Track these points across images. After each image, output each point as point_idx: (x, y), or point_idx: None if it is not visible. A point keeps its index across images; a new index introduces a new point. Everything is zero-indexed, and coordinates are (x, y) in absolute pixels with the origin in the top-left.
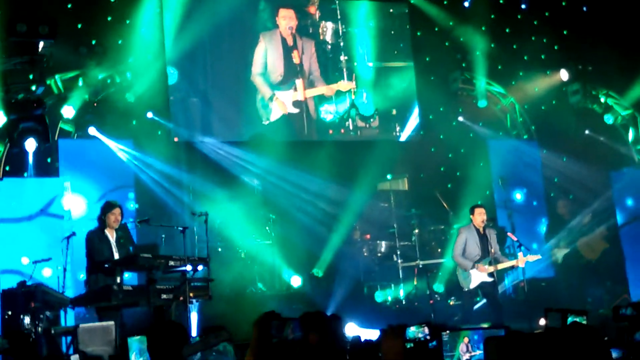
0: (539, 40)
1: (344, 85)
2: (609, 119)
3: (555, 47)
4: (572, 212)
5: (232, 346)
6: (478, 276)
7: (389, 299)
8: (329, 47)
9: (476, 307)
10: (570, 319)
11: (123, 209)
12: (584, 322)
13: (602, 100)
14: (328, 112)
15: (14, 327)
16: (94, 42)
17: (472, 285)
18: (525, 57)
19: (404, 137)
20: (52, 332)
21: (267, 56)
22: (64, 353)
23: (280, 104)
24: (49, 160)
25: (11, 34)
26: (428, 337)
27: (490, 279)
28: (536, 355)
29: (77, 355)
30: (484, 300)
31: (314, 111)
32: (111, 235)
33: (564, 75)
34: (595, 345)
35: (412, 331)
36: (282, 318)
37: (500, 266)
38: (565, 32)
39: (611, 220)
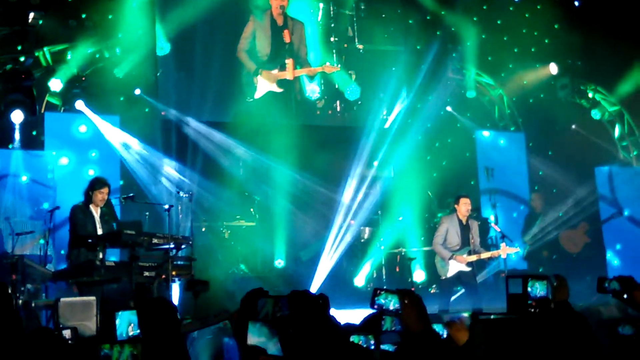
0: (530, 33)
1: (329, 67)
2: (596, 114)
3: (546, 41)
4: (544, 206)
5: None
6: (455, 266)
7: (370, 285)
8: (319, 27)
9: (454, 297)
10: (530, 284)
11: (111, 189)
12: (545, 287)
13: (590, 95)
14: (315, 93)
15: None
16: (84, 15)
17: (450, 274)
18: (516, 50)
19: (389, 123)
20: (33, 305)
21: (255, 35)
22: (50, 327)
23: (266, 77)
24: (34, 133)
25: (1, 4)
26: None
27: (468, 269)
28: (523, 338)
29: (69, 330)
30: (463, 290)
31: (299, 92)
32: (95, 211)
33: (553, 69)
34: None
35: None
36: (269, 296)
37: (479, 257)
38: (556, 26)
39: (593, 215)
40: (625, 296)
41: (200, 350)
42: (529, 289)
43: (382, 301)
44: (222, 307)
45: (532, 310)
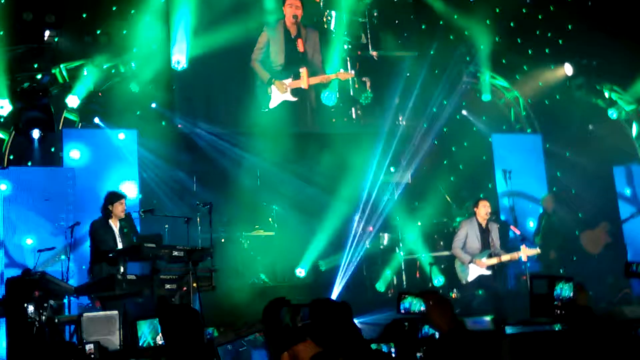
0: (544, 35)
1: (343, 74)
2: (612, 113)
3: (560, 42)
4: (555, 207)
5: (262, 337)
6: (476, 270)
7: (392, 291)
8: (333, 35)
9: (476, 301)
10: (557, 286)
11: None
12: (571, 289)
13: (607, 95)
14: (329, 101)
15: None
16: (98, 31)
17: (470, 278)
18: (530, 51)
19: (405, 128)
20: (56, 320)
21: (269, 45)
22: (74, 342)
23: (279, 87)
24: (52, 149)
25: (17, 22)
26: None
27: (489, 272)
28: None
29: (91, 345)
30: (485, 295)
31: (315, 100)
32: (115, 225)
33: (568, 69)
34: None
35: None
36: (291, 304)
37: (499, 260)
38: (569, 27)
39: (614, 214)
40: None
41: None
42: (555, 291)
43: (407, 305)
44: (245, 318)
45: (558, 312)
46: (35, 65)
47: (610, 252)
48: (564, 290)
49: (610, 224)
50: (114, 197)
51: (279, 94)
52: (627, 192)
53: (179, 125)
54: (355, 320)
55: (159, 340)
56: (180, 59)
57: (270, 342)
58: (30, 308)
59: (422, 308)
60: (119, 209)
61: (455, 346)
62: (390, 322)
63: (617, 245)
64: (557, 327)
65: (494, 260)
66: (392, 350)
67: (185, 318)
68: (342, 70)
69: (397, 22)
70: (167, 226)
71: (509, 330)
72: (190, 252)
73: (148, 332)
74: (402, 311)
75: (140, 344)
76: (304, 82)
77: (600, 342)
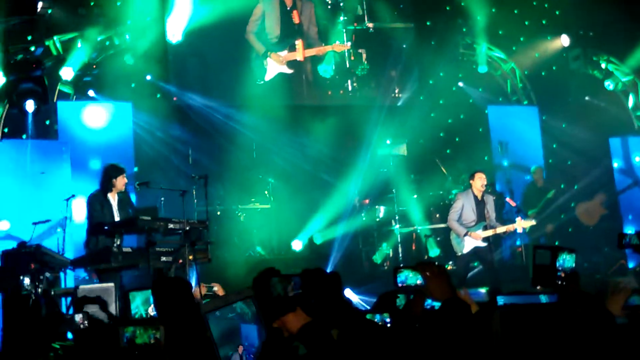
0: (540, 5)
1: (338, 46)
2: (609, 84)
3: (557, 13)
4: (546, 179)
5: (251, 306)
6: (471, 242)
7: (388, 264)
8: (329, 7)
9: (471, 273)
10: (560, 257)
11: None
12: (573, 259)
13: (603, 66)
14: (325, 73)
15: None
16: (92, 3)
17: (465, 250)
18: (527, 22)
19: (402, 100)
20: (52, 293)
21: (264, 16)
22: (65, 313)
23: (275, 59)
24: (47, 122)
25: None
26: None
27: (484, 244)
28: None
29: (80, 315)
30: (480, 267)
31: (311, 72)
32: (113, 198)
33: (565, 40)
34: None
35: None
36: (281, 275)
37: (495, 232)
38: None
39: (609, 186)
40: None
41: (215, 332)
42: (558, 262)
43: (404, 278)
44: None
45: (560, 282)
46: (29, 37)
47: (605, 224)
48: (567, 261)
49: (606, 196)
50: (115, 170)
51: (274, 66)
52: (623, 163)
53: (174, 98)
54: (354, 294)
55: (151, 311)
56: (175, 32)
57: (261, 313)
58: (26, 280)
59: (419, 281)
60: (120, 182)
61: (452, 315)
62: (383, 293)
63: (613, 216)
64: (543, 299)
65: (489, 232)
66: (387, 320)
67: (179, 290)
68: (338, 42)
69: None
70: (162, 199)
71: (500, 300)
72: (185, 224)
73: (141, 304)
74: (400, 285)
75: (132, 315)
76: (299, 54)
77: (588, 316)
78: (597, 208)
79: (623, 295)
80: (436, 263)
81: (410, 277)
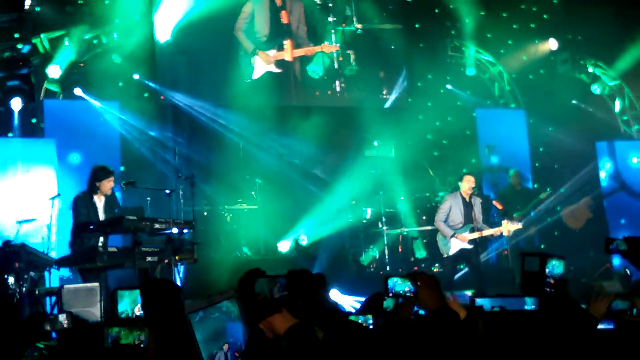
0: (529, 9)
1: (327, 47)
2: (596, 89)
3: (545, 16)
4: (522, 183)
5: (235, 305)
6: (457, 244)
7: (374, 265)
8: (317, 7)
9: (457, 275)
10: (549, 264)
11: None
12: (562, 266)
13: (590, 70)
14: (314, 74)
15: None
16: (80, 1)
17: (452, 251)
18: (515, 26)
19: (390, 102)
20: (36, 292)
21: (254, 15)
22: (49, 313)
23: (263, 58)
24: (34, 120)
25: None
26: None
27: (470, 246)
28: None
29: (64, 315)
30: (466, 269)
31: (299, 72)
32: (99, 200)
33: (552, 44)
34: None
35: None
36: (267, 276)
37: (481, 234)
38: (555, 1)
39: (596, 190)
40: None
41: (200, 332)
42: (547, 269)
43: (392, 285)
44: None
45: (549, 290)
46: (16, 35)
47: (591, 227)
48: (556, 267)
49: (592, 199)
50: (102, 173)
51: (262, 65)
52: (609, 167)
53: (162, 97)
54: (341, 295)
55: (137, 311)
56: (163, 30)
57: (246, 314)
58: (11, 279)
59: (407, 288)
60: (106, 186)
61: (441, 325)
62: (370, 296)
63: (599, 220)
64: (528, 302)
65: (475, 235)
66: (369, 322)
67: (166, 292)
68: (326, 43)
69: None
70: (149, 199)
71: (486, 303)
72: (171, 224)
73: (129, 303)
74: (391, 295)
75: (119, 314)
76: (288, 54)
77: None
78: (583, 211)
79: (607, 300)
80: (426, 273)
81: (398, 284)
